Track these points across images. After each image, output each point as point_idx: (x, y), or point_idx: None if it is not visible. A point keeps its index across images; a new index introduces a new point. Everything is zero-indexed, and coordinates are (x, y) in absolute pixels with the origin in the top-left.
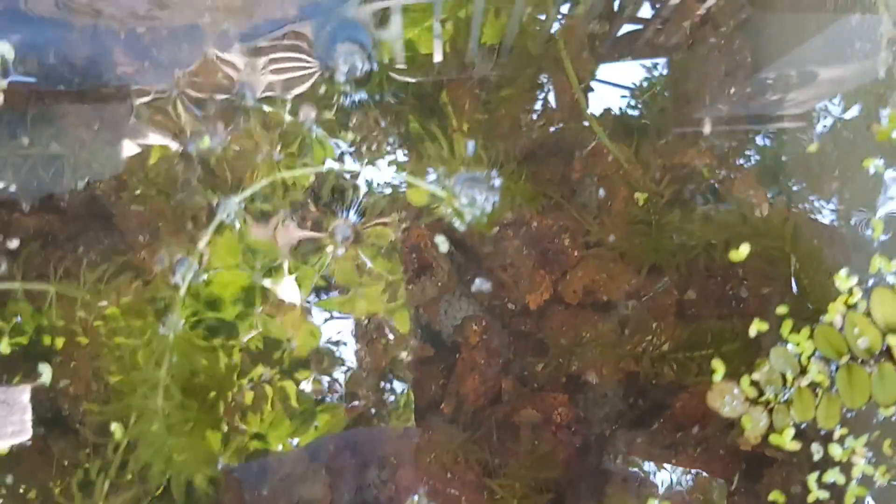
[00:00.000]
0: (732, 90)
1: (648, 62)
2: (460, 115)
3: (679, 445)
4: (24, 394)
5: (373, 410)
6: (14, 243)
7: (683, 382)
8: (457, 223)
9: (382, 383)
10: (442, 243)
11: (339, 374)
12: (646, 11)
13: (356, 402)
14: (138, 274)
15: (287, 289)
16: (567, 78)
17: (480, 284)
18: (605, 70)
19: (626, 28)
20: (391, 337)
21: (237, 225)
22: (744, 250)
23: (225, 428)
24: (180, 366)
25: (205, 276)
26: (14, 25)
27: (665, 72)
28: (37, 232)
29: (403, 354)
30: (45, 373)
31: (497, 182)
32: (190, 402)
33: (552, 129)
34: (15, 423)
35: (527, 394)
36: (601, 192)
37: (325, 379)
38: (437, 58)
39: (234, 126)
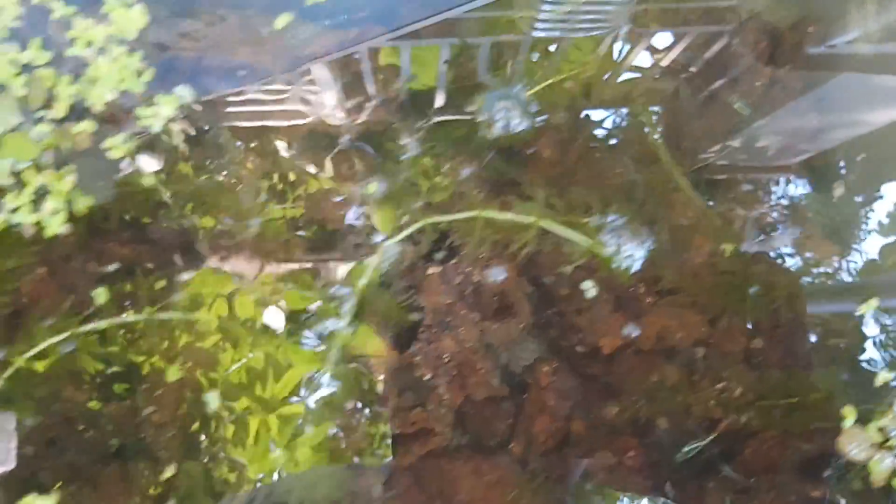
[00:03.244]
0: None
1: None
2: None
3: (752, 491)
4: (8, 422)
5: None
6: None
7: (765, 429)
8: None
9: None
10: (590, 288)
11: None
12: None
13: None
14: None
15: None
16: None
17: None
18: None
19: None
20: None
21: None
22: None
23: None
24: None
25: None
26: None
27: None
28: (130, 261)
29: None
30: (213, 401)
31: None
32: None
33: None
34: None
35: (596, 436)
36: (674, 239)
37: None
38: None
39: None
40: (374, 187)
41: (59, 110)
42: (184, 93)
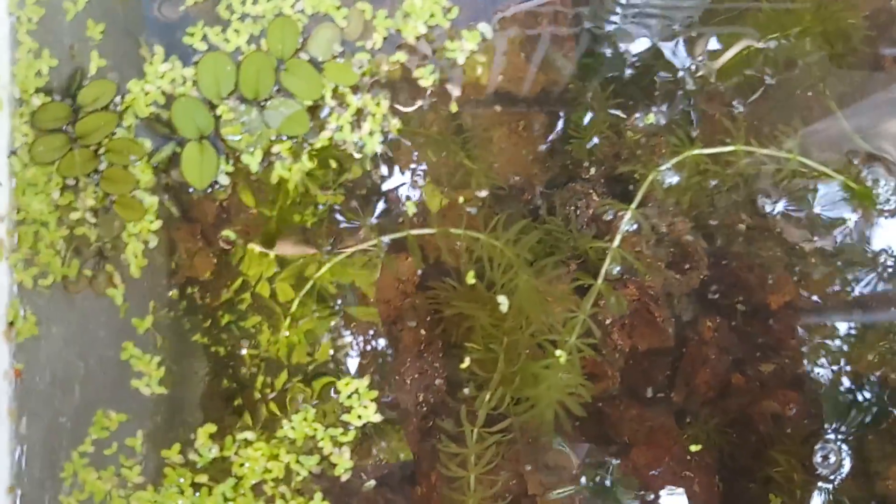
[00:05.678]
0: None
1: None
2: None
3: None
4: None
5: None
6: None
7: None
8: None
9: None
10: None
11: None
12: None
13: None
14: None
15: None
16: None
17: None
18: None
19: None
20: None
21: None
22: None
23: None
24: None
25: None
26: None
27: None
28: None
29: None
30: (504, 303)
31: None
32: None
33: None
34: None
35: (756, 390)
36: None
37: None
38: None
39: None
40: (652, 118)
41: (376, 42)
42: (485, 29)
